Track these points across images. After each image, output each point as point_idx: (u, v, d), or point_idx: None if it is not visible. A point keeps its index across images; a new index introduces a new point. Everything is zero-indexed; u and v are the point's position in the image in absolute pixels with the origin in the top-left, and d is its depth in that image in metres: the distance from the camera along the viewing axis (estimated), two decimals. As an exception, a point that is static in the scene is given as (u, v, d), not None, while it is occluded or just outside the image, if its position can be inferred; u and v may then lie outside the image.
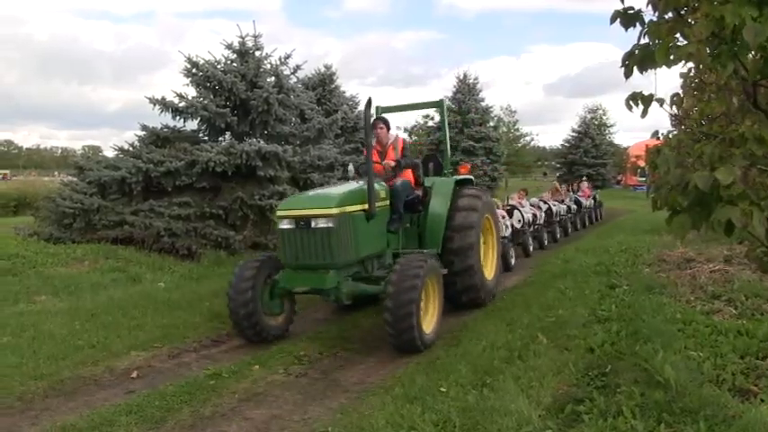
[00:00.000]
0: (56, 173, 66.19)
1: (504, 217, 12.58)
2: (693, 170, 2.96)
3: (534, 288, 10.00)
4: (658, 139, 4.30)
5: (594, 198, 24.73)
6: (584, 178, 29.40)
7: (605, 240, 15.32)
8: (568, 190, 21.99)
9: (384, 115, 9.38)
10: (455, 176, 9.50)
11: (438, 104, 10.48)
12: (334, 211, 6.91)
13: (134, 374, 6.29)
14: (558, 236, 17.69)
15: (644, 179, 40.59)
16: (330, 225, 6.87)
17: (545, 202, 17.34)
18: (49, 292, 9.47)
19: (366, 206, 7.36)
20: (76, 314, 8.09)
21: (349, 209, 7.13)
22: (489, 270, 9.55)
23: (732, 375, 5.10)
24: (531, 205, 16.01)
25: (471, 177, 9.80)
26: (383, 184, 8.15)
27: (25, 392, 5.69)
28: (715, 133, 3.78)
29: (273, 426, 5.01)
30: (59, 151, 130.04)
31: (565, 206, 19.31)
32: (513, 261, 12.79)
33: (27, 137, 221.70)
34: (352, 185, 7.71)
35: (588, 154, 51.49)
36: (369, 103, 7.45)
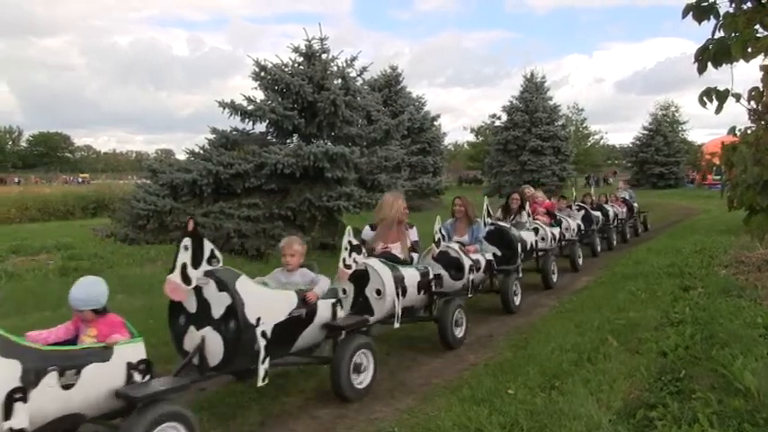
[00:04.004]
0: (129, 176, 68.23)
1: None
2: (773, 168, 2.84)
3: (604, 289, 9.78)
4: (735, 135, 4.12)
5: (609, 212, 15.70)
6: (614, 175, 19.51)
7: (678, 241, 14.88)
8: (505, 211, 10.78)
9: None
10: None
11: None
12: None
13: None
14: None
15: (719, 177, 39.22)
16: None
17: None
18: (125, 291, 9.75)
19: None
20: (150, 313, 8.32)
21: None
22: None
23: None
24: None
25: None
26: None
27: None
28: (797, 129, 3.62)
29: (340, 425, 5.04)
30: (134, 155, 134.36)
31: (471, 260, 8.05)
32: None
33: (107, 142, 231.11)
34: None
35: (660, 152, 50.21)
36: None
